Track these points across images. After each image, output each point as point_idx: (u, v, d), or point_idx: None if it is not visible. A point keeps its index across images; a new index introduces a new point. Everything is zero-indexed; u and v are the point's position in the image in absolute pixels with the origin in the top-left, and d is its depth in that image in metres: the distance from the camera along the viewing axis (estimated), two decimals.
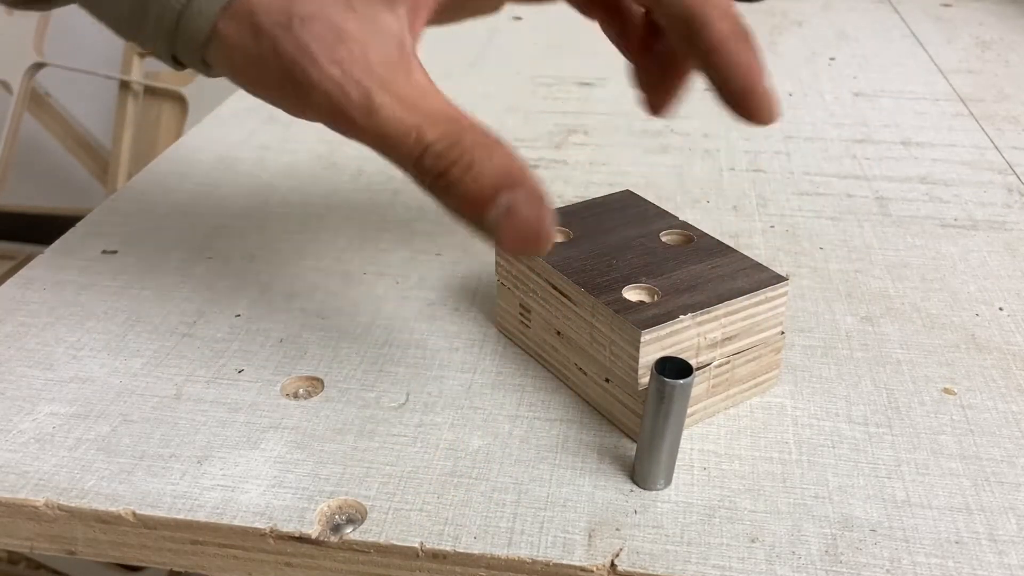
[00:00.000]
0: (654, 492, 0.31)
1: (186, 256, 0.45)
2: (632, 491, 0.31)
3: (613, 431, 0.34)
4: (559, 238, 0.37)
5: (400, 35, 0.30)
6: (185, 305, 0.41)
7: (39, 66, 1.47)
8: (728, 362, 0.34)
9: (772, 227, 0.48)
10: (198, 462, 0.32)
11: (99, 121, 1.61)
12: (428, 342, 0.39)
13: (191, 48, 0.30)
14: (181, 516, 0.30)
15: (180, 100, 1.49)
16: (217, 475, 0.32)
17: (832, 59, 0.75)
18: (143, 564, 0.32)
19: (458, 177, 0.28)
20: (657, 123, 0.62)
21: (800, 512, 0.30)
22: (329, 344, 0.39)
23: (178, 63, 0.31)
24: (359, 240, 0.47)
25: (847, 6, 0.90)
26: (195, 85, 1.47)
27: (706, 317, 0.32)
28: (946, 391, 0.36)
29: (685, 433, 0.33)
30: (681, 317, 0.31)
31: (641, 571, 0.28)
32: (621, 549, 0.29)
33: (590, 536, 0.29)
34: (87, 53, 1.47)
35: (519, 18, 0.84)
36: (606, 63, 0.70)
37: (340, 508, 0.31)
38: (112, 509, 0.30)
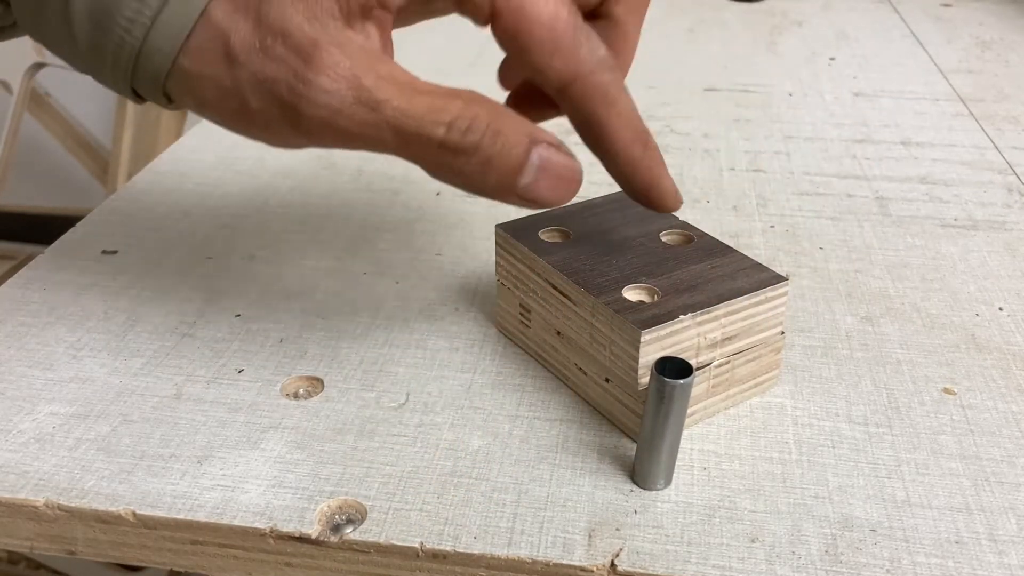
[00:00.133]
0: (654, 492, 0.31)
1: (186, 256, 0.45)
2: (632, 491, 0.31)
3: (613, 431, 0.34)
4: (559, 238, 0.37)
5: (373, 45, 0.29)
6: (185, 305, 0.41)
7: (39, 66, 1.47)
8: (728, 362, 0.34)
9: (772, 227, 0.48)
10: (198, 462, 0.32)
11: (99, 121, 1.61)
12: (428, 342, 0.39)
13: (151, 85, 0.29)
14: (181, 516, 0.30)
15: None
16: (217, 475, 0.32)
17: (832, 59, 0.75)
18: (143, 564, 0.32)
19: (490, 148, 0.29)
20: (656, 123, 0.62)
21: (800, 512, 0.30)
22: (329, 344, 0.39)
23: (139, 97, 0.31)
24: (359, 240, 0.47)
25: (847, 6, 0.90)
26: None
27: (706, 317, 0.32)
28: (946, 391, 0.36)
29: (685, 433, 0.33)
30: (681, 317, 0.31)
31: (641, 571, 0.28)
32: (621, 549, 0.29)
33: (590, 536, 0.29)
34: None
35: None
36: None
37: (340, 508, 0.31)
38: (112, 509, 0.30)
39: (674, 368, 0.29)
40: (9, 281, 0.43)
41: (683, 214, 0.49)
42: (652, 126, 0.61)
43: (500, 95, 0.33)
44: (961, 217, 0.50)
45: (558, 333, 0.35)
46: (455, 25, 0.38)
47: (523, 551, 0.29)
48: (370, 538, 0.29)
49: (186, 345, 0.39)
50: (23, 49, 1.46)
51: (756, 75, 0.71)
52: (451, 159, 0.29)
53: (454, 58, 0.73)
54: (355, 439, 0.33)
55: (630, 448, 0.33)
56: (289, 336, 0.39)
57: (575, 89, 0.30)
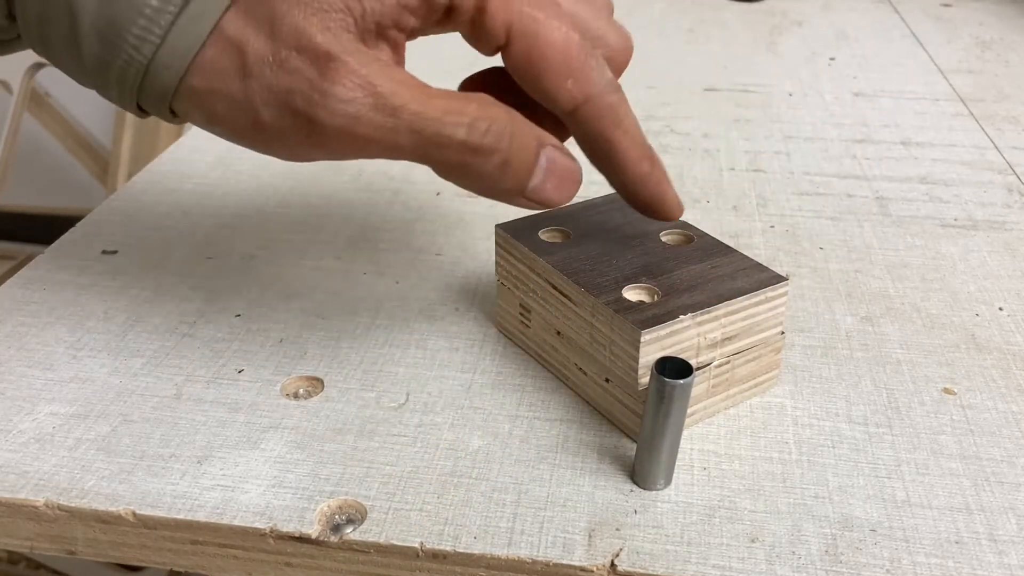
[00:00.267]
0: (654, 492, 0.31)
1: (186, 256, 0.45)
2: (632, 491, 0.31)
3: (613, 431, 0.34)
4: (559, 238, 0.37)
5: (385, 58, 0.30)
6: (185, 305, 0.41)
7: (39, 66, 1.47)
8: (728, 362, 0.34)
9: (772, 227, 0.48)
10: (198, 462, 0.32)
11: (99, 121, 1.61)
12: (428, 342, 0.39)
13: (157, 101, 0.30)
14: (181, 516, 0.30)
15: None
16: (217, 475, 0.32)
17: (832, 59, 0.75)
18: (143, 564, 0.32)
19: (508, 150, 0.30)
20: (656, 123, 0.62)
21: (800, 512, 0.30)
22: (329, 344, 0.39)
23: (143, 111, 0.31)
24: (359, 240, 0.47)
25: (847, 6, 0.90)
26: None
27: (706, 317, 0.32)
28: (946, 391, 0.36)
29: (685, 433, 0.33)
30: (681, 317, 0.31)
31: (641, 571, 0.28)
32: (621, 549, 0.29)
33: (590, 536, 0.29)
34: None
35: None
36: None
37: (340, 508, 0.31)
38: (112, 509, 0.30)
39: (674, 368, 0.29)
40: (9, 281, 0.43)
41: (683, 214, 0.49)
42: (652, 126, 0.61)
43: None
44: (961, 217, 0.50)
45: (558, 333, 0.35)
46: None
47: (523, 551, 0.29)
48: (370, 538, 0.29)
49: (186, 345, 0.39)
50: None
51: (756, 75, 0.71)
52: (471, 159, 0.29)
53: (454, 58, 0.73)
54: (355, 439, 0.33)
55: (630, 448, 0.33)
56: (289, 336, 0.39)
57: (586, 110, 0.31)
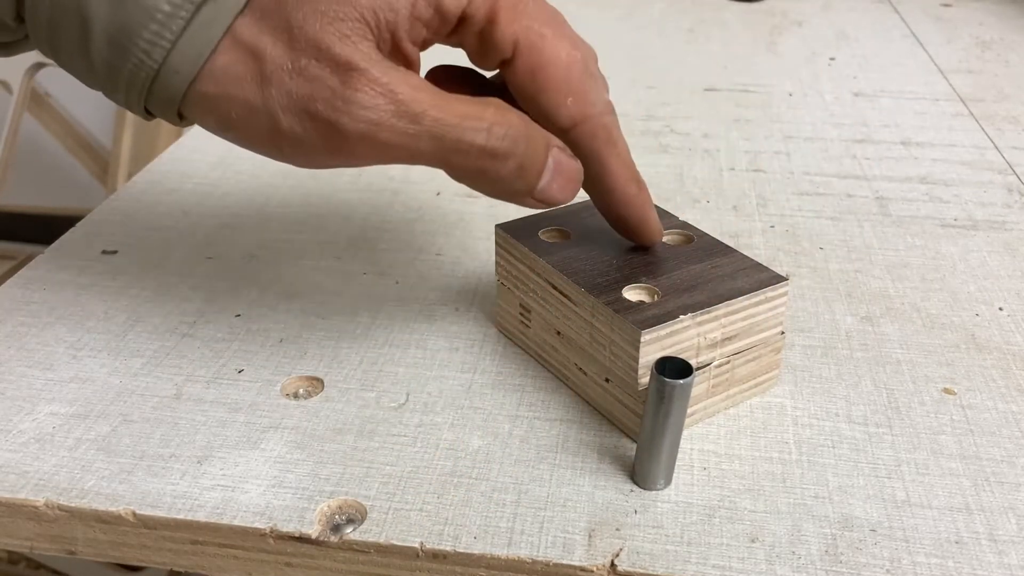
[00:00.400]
0: (654, 492, 0.31)
1: (186, 256, 0.45)
2: (632, 491, 0.31)
3: (613, 431, 0.34)
4: (559, 238, 0.37)
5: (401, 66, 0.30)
6: (185, 305, 0.41)
7: (39, 66, 1.47)
8: (728, 362, 0.34)
9: (772, 227, 0.48)
10: (198, 462, 0.32)
11: (99, 121, 1.61)
12: (428, 342, 0.39)
13: (166, 105, 0.30)
14: (181, 516, 0.30)
15: None
16: (217, 475, 0.32)
17: (832, 59, 0.75)
18: (143, 564, 0.32)
19: (523, 153, 0.30)
20: (656, 123, 0.62)
21: (800, 512, 0.30)
22: (329, 344, 0.39)
23: (149, 114, 0.31)
24: (359, 240, 0.47)
25: (847, 6, 0.90)
26: None
27: (706, 317, 0.32)
28: (946, 391, 0.36)
29: (685, 433, 0.33)
30: (681, 317, 0.31)
31: (641, 571, 0.28)
32: (621, 549, 0.29)
33: (590, 536, 0.29)
34: None
35: None
36: (604, 63, 0.70)
37: (340, 508, 0.31)
38: (112, 509, 0.30)
39: (674, 368, 0.29)
40: (9, 281, 0.43)
41: (683, 214, 0.49)
42: (652, 126, 0.61)
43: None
44: (961, 217, 0.50)
45: (558, 333, 0.35)
46: None
47: (523, 551, 0.29)
48: (370, 538, 0.29)
49: (186, 345, 0.39)
50: None
51: (756, 75, 0.71)
52: (489, 164, 0.30)
53: (453, 58, 0.73)
54: (355, 439, 0.33)
55: (630, 448, 0.33)
56: (289, 336, 0.39)
57: (583, 129, 0.33)
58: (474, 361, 0.38)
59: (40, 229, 1.56)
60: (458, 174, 0.31)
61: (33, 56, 1.46)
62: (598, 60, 0.34)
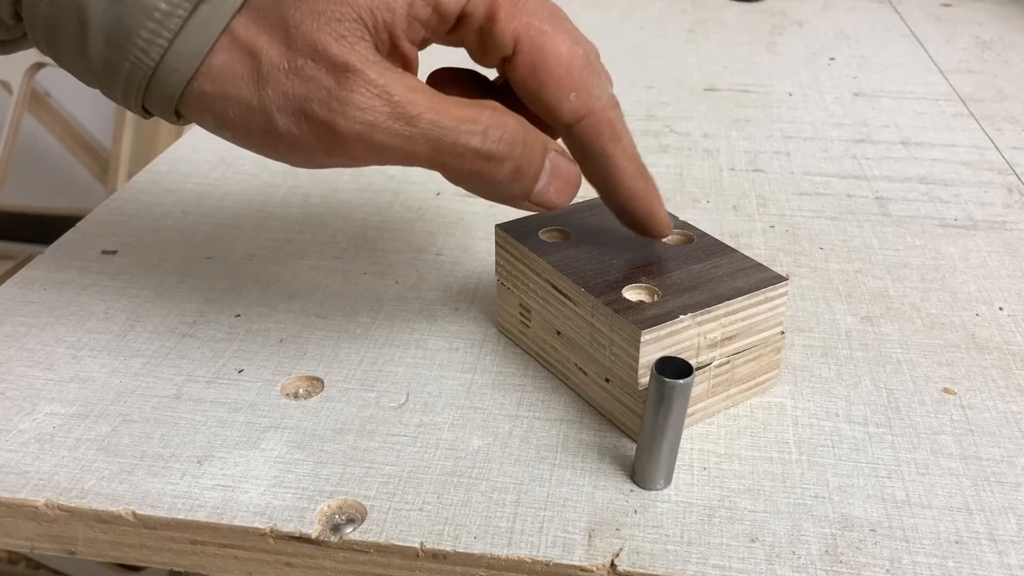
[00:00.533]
0: (654, 492, 0.31)
1: (186, 256, 0.45)
2: (632, 491, 0.31)
3: (613, 431, 0.34)
4: (559, 238, 0.37)
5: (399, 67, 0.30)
6: (185, 305, 0.41)
7: (39, 66, 1.47)
8: (728, 362, 0.34)
9: (772, 227, 0.48)
10: (198, 462, 0.32)
11: (99, 121, 1.61)
12: (428, 342, 0.39)
13: (163, 104, 0.30)
14: (181, 516, 0.30)
15: None
16: (217, 475, 0.32)
17: (832, 59, 0.75)
18: (143, 564, 0.32)
19: (520, 156, 0.30)
20: (656, 123, 0.62)
21: (800, 512, 0.30)
22: (329, 344, 0.39)
23: (147, 112, 0.31)
24: (359, 240, 0.47)
25: (847, 6, 0.90)
26: None
27: (706, 317, 0.32)
28: (946, 391, 0.36)
29: (685, 433, 0.33)
30: (681, 317, 0.31)
31: (641, 571, 0.28)
32: (621, 549, 0.29)
33: (590, 536, 0.29)
34: None
35: None
36: (604, 63, 0.70)
37: (340, 508, 0.31)
38: (112, 509, 0.30)
39: (674, 368, 0.29)
40: (9, 281, 0.43)
41: (683, 214, 0.49)
42: (652, 126, 0.61)
43: None
44: (961, 217, 0.50)
45: (558, 333, 0.35)
46: None
47: (523, 551, 0.29)
48: (370, 538, 0.29)
49: (186, 345, 0.39)
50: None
51: (756, 75, 0.71)
52: (485, 167, 0.30)
53: (453, 58, 0.73)
54: (355, 439, 0.33)
55: (630, 448, 0.33)
56: (289, 336, 0.39)
57: (587, 124, 0.32)
58: (474, 361, 0.38)
59: (40, 229, 1.56)
60: (454, 177, 0.31)
61: (33, 56, 1.46)
62: (600, 56, 0.34)
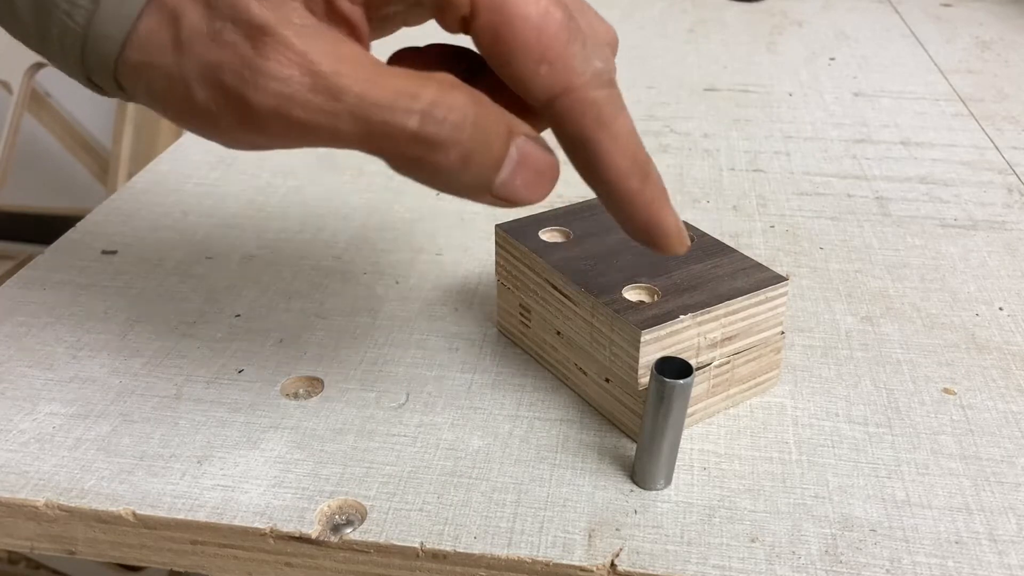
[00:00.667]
0: (654, 492, 0.31)
1: (186, 256, 0.45)
2: (632, 491, 0.31)
3: (613, 431, 0.34)
4: (559, 238, 0.37)
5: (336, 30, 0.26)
6: (185, 305, 0.41)
7: (39, 66, 1.47)
8: (728, 362, 0.34)
9: (772, 227, 0.48)
10: (198, 462, 0.32)
11: (99, 121, 1.61)
12: (428, 342, 0.39)
13: (104, 74, 0.27)
14: (181, 516, 0.30)
15: None
16: (217, 475, 0.32)
17: (832, 59, 0.75)
18: (143, 564, 0.32)
19: (470, 141, 0.25)
20: (656, 123, 0.62)
21: (800, 512, 0.30)
22: (329, 344, 0.39)
23: (96, 86, 0.28)
24: (359, 240, 0.47)
25: (847, 6, 0.90)
26: None
27: (706, 317, 0.32)
28: (946, 391, 0.36)
29: (685, 433, 0.33)
30: (681, 317, 0.31)
31: (641, 571, 0.28)
32: (621, 549, 0.29)
33: (590, 536, 0.29)
34: None
35: None
36: None
37: (340, 508, 0.31)
38: (112, 509, 0.30)
39: (674, 368, 0.29)
40: (9, 281, 0.43)
41: (683, 214, 0.49)
42: (652, 126, 0.61)
43: None
44: (961, 217, 0.50)
45: (558, 333, 0.35)
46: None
47: (523, 551, 0.29)
48: (370, 538, 0.29)
49: (186, 345, 0.39)
50: (23, 49, 1.46)
51: (756, 75, 0.71)
52: (424, 153, 0.25)
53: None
54: (355, 439, 0.33)
55: (630, 448, 0.33)
56: (289, 336, 0.39)
57: (564, 104, 0.26)
58: (474, 361, 0.38)
59: (40, 229, 1.56)
60: (395, 164, 0.26)
61: (33, 56, 1.46)
62: (599, 16, 0.29)
